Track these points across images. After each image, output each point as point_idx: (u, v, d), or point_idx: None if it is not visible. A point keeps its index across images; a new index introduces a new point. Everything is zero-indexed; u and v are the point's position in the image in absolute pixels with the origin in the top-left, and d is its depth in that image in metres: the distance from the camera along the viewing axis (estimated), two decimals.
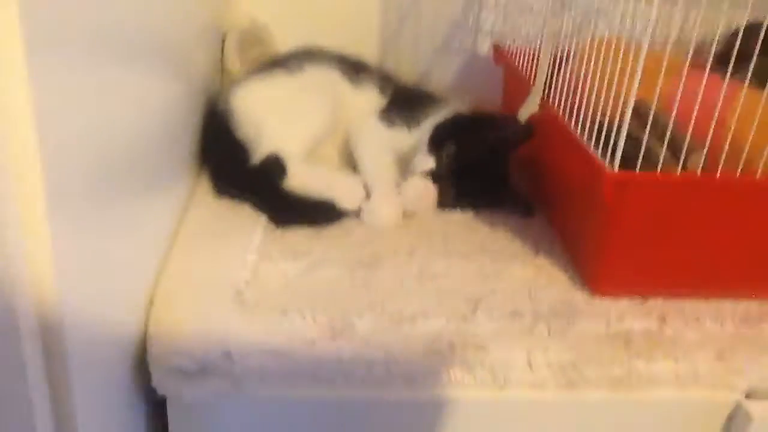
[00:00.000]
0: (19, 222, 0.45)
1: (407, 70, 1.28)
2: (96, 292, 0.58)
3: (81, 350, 0.53)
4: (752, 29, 0.74)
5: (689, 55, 0.70)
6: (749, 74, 0.71)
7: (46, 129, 0.44)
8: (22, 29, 0.40)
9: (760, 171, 0.73)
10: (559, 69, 0.90)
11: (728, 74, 0.72)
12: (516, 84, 1.06)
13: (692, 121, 0.70)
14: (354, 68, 1.08)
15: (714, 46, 0.73)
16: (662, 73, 0.70)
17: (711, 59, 0.73)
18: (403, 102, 1.05)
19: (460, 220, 0.96)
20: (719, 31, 0.72)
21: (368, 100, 1.06)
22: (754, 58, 0.69)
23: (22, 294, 0.47)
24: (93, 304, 0.57)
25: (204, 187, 0.98)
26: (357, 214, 0.93)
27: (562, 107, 0.86)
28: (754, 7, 0.71)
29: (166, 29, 0.81)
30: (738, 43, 0.71)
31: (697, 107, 0.69)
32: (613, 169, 0.70)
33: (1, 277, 0.45)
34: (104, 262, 0.60)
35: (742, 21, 0.73)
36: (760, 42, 0.70)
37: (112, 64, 0.59)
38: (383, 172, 0.97)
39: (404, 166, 0.98)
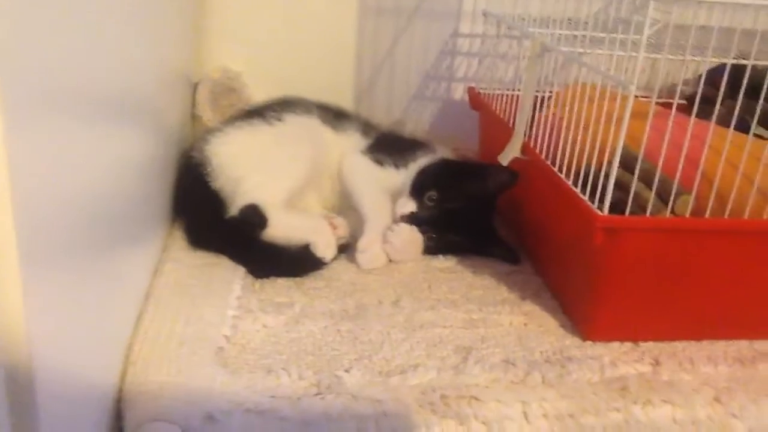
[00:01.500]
0: None
1: (381, 117, 1.27)
2: (69, 348, 0.54)
3: (52, 409, 0.50)
4: (719, 70, 0.75)
5: (675, 100, 0.70)
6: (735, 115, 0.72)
7: (18, 184, 0.42)
8: None
9: (747, 213, 0.73)
10: (539, 113, 0.91)
11: (714, 116, 0.72)
12: (494, 128, 1.06)
13: (680, 165, 0.70)
14: (334, 115, 1.07)
15: (701, 86, 0.73)
16: (649, 117, 0.70)
17: (698, 100, 0.74)
18: (390, 144, 1.05)
19: (444, 266, 0.94)
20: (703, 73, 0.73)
21: (352, 143, 1.05)
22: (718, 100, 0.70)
23: None
24: (66, 361, 0.53)
25: (178, 240, 0.94)
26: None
27: (544, 152, 0.86)
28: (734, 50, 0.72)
29: (140, 82, 0.79)
30: (724, 83, 0.71)
31: (684, 151, 0.69)
32: (603, 213, 0.70)
33: None
34: (78, 318, 0.56)
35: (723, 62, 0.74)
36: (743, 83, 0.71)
37: (85, 119, 0.57)
38: (377, 208, 0.95)
39: (394, 203, 0.97)
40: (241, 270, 0.88)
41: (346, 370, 0.71)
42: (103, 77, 0.63)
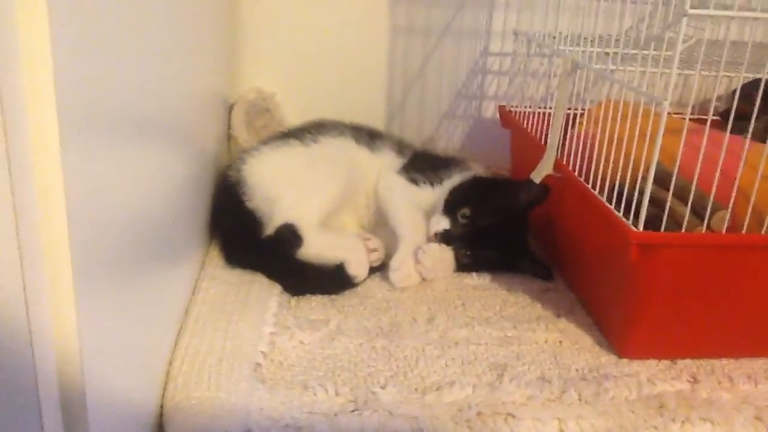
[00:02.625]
0: (46, 299, 0.44)
1: (413, 136, 1.29)
2: (117, 363, 0.56)
3: (101, 423, 0.51)
4: (753, 85, 0.75)
5: (709, 116, 0.70)
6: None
7: (72, 203, 0.44)
8: (59, 117, 0.42)
9: None
10: (572, 130, 0.91)
11: (749, 132, 0.72)
12: (525, 146, 1.07)
13: (715, 181, 0.70)
14: (369, 135, 1.08)
15: (735, 102, 0.73)
16: (683, 134, 0.70)
17: (732, 115, 0.73)
18: (425, 162, 1.06)
19: (478, 284, 0.94)
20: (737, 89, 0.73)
21: (387, 162, 1.07)
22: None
23: (47, 369, 0.46)
24: (113, 376, 0.55)
25: (215, 258, 0.96)
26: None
27: (577, 169, 0.86)
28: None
29: (179, 105, 0.82)
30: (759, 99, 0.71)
31: (719, 166, 0.69)
32: (638, 230, 0.69)
33: (27, 351, 0.44)
34: (124, 334, 0.58)
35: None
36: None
37: (130, 141, 0.60)
38: (411, 227, 0.96)
39: (429, 221, 0.98)
40: (276, 287, 0.89)
41: (382, 387, 0.71)
42: (146, 102, 0.65)
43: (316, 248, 0.91)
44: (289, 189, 0.95)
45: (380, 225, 1.03)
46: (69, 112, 0.43)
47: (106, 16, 0.51)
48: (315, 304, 0.86)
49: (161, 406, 0.68)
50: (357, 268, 0.91)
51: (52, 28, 0.40)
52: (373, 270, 0.94)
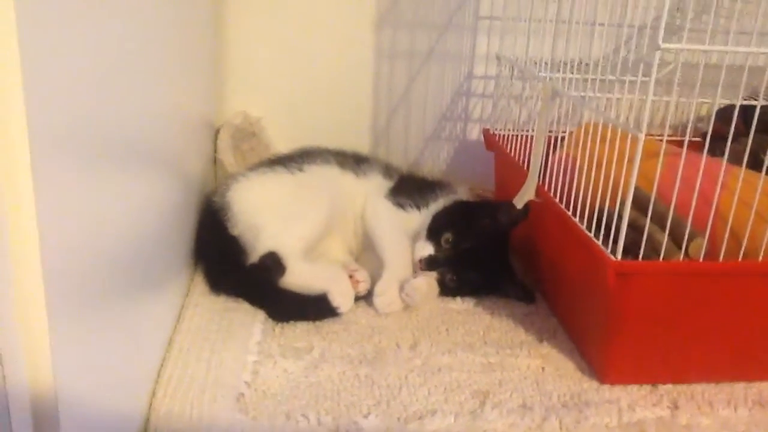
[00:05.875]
0: (18, 320, 0.44)
1: (399, 159, 1.29)
2: (94, 394, 0.56)
3: None
4: (731, 108, 0.76)
5: (686, 138, 0.71)
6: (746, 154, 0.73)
7: (46, 231, 0.44)
8: (30, 138, 0.41)
9: (761, 254, 0.73)
10: (553, 154, 0.92)
11: (725, 154, 0.73)
12: (509, 169, 1.07)
13: (692, 205, 0.71)
14: (355, 160, 1.09)
15: (711, 125, 0.74)
16: (660, 156, 0.71)
17: (708, 139, 0.74)
18: (411, 186, 1.07)
19: (462, 309, 0.95)
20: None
21: (374, 186, 1.07)
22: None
23: (21, 400, 0.46)
24: (92, 411, 0.55)
25: (199, 285, 0.96)
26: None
27: (558, 194, 0.87)
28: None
29: (163, 128, 0.82)
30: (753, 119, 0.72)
31: (697, 190, 0.70)
32: (616, 258, 0.70)
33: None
34: (103, 363, 0.58)
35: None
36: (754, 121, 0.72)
37: (111, 166, 0.59)
38: (397, 253, 0.97)
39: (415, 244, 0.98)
40: (260, 314, 0.89)
41: (365, 416, 0.72)
42: (127, 125, 0.65)
43: (299, 277, 0.92)
44: (273, 217, 0.95)
45: (367, 249, 1.03)
46: (41, 133, 0.43)
47: (82, 37, 0.51)
48: (299, 331, 0.87)
49: None
50: (340, 299, 0.90)
51: (22, 46, 0.40)
52: (358, 298, 0.94)
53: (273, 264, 0.91)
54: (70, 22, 0.49)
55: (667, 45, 0.65)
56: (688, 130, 0.76)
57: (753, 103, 0.81)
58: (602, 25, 0.86)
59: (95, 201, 0.55)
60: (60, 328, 0.47)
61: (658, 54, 0.66)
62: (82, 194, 0.52)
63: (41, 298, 0.45)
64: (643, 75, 0.82)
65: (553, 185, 0.88)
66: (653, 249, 0.73)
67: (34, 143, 0.42)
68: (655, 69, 0.66)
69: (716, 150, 0.81)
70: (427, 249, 0.95)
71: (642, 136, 0.66)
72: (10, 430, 0.46)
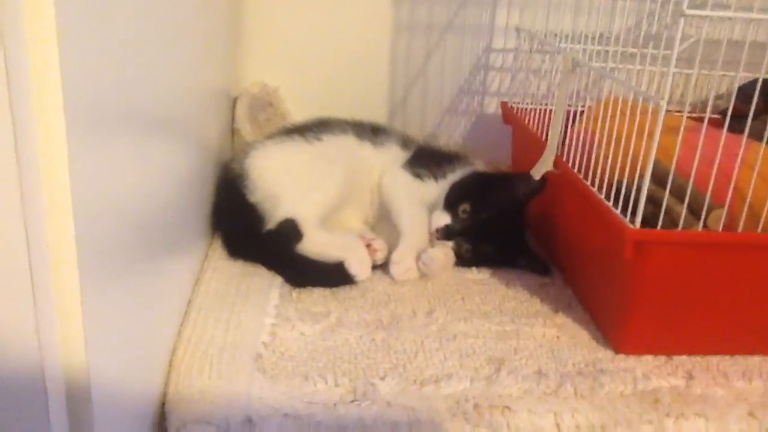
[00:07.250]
0: (52, 291, 0.45)
1: (415, 131, 1.29)
2: (121, 353, 0.57)
3: (105, 411, 0.52)
4: (752, 85, 0.75)
5: (707, 114, 0.71)
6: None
7: (78, 197, 0.45)
8: (65, 113, 0.42)
9: None
10: (572, 127, 0.92)
11: (746, 130, 0.73)
12: (526, 142, 1.07)
13: (711, 180, 0.70)
14: (372, 131, 1.09)
15: (733, 102, 0.74)
16: (680, 132, 0.71)
17: (729, 114, 0.74)
18: (428, 157, 1.07)
19: (478, 279, 0.95)
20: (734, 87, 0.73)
21: (392, 156, 1.08)
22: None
23: (53, 359, 0.47)
24: (118, 366, 0.56)
25: (218, 250, 0.97)
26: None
27: (576, 166, 0.87)
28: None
29: (184, 99, 0.82)
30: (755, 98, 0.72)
31: (716, 165, 0.70)
32: (634, 227, 0.70)
33: (33, 343, 0.45)
34: (129, 325, 0.59)
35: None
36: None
37: (136, 135, 0.60)
38: (414, 222, 0.97)
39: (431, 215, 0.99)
40: (278, 279, 0.90)
41: (381, 378, 0.72)
42: (151, 96, 0.66)
43: (316, 245, 0.92)
44: (290, 185, 0.96)
45: (383, 220, 1.04)
46: (76, 108, 0.44)
47: (111, 12, 0.52)
48: (316, 297, 0.87)
49: (164, 395, 0.69)
50: (358, 267, 0.91)
51: (59, 24, 0.41)
52: (374, 267, 0.95)
53: (290, 230, 0.91)
54: None
55: (691, 11, 0.65)
56: (709, 105, 0.76)
57: None
58: None
59: (122, 168, 0.56)
60: (90, 295, 0.48)
61: (682, 21, 0.65)
62: (111, 162, 0.53)
63: (74, 264, 0.46)
64: (665, 48, 0.81)
65: (571, 159, 0.88)
66: (672, 221, 0.73)
67: (69, 115, 0.43)
68: (678, 37, 0.66)
69: (735, 127, 0.80)
70: (443, 219, 0.95)
71: (663, 104, 0.66)
72: (44, 386, 0.47)
